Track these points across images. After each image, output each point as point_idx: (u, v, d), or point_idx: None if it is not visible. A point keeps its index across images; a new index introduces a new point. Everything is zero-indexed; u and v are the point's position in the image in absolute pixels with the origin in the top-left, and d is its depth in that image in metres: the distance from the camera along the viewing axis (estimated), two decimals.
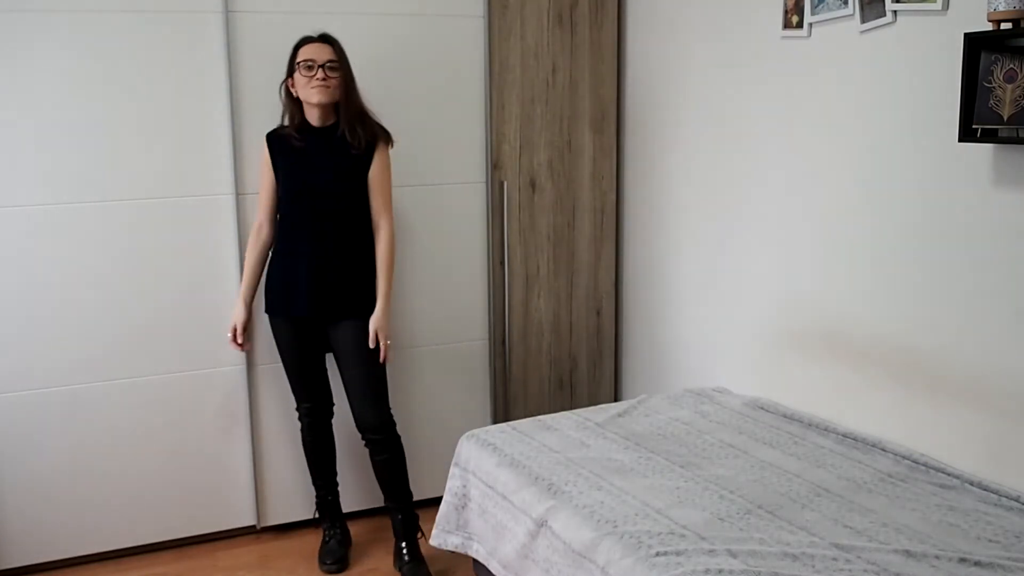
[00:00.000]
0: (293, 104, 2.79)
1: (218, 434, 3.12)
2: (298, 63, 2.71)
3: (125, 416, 3.00)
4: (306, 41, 2.75)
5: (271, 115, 3.01)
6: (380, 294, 2.82)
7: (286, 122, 2.82)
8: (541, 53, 3.38)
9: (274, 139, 2.83)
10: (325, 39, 2.76)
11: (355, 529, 3.21)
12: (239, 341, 2.91)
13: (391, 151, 2.87)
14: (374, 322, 2.80)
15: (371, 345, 2.79)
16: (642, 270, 3.58)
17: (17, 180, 2.79)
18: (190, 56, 2.91)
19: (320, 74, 2.68)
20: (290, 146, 2.78)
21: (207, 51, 2.93)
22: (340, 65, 2.73)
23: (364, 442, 2.93)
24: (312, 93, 2.70)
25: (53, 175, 2.82)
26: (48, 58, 2.77)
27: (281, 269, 2.84)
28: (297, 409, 3.04)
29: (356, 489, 3.28)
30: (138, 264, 2.95)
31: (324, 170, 2.77)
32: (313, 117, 2.77)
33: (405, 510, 2.95)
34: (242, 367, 3.11)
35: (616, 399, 3.75)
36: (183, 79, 2.92)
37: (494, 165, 3.38)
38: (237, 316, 2.90)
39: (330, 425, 3.06)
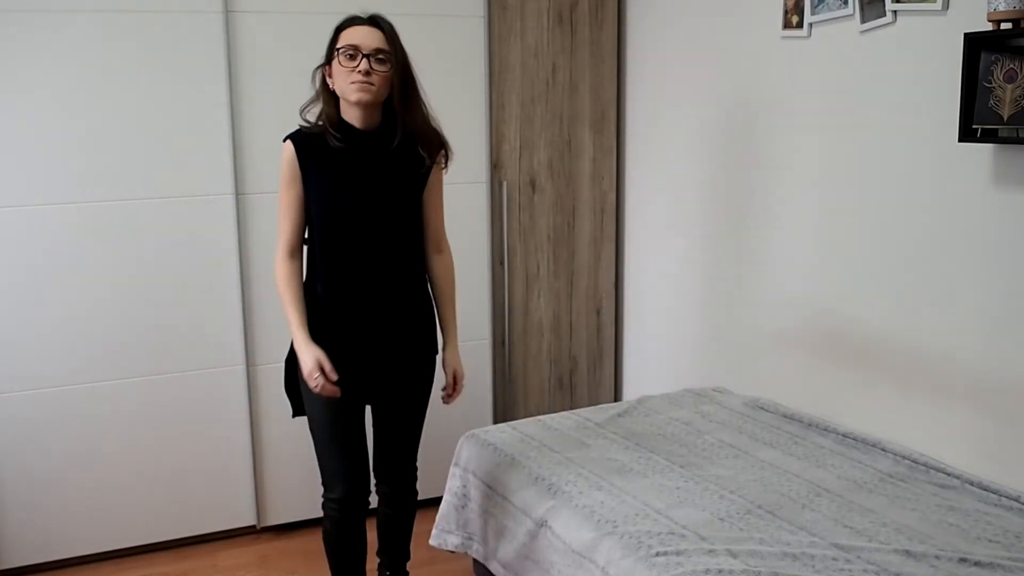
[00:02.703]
0: (329, 97, 2.20)
1: (218, 434, 3.12)
2: (338, 49, 2.13)
3: (125, 416, 3.00)
4: (351, 22, 2.17)
5: (271, 115, 3.01)
6: (450, 328, 2.40)
7: (309, 118, 2.25)
8: (541, 53, 3.38)
9: (302, 142, 2.20)
10: (375, 22, 2.17)
11: None
12: (329, 377, 2.18)
13: None
14: (451, 363, 2.38)
15: (448, 391, 2.39)
16: (642, 270, 3.58)
17: (17, 180, 2.79)
18: (190, 56, 2.91)
19: (364, 65, 2.10)
20: (326, 150, 2.19)
21: (207, 51, 2.93)
22: (391, 57, 2.14)
23: (376, 490, 2.52)
24: (351, 89, 2.12)
25: (53, 175, 2.82)
26: (48, 58, 2.76)
27: (325, 314, 2.25)
28: (325, 498, 2.36)
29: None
30: (138, 264, 2.95)
31: (377, 184, 2.21)
32: (354, 117, 2.19)
33: (399, 571, 2.60)
34: (242, 367, 3.11)
35: (616, 399, 3.75)
36: (183, 79, 2.92)
37: (494, 165, 3.38)
38: (313, 351, 2.17)
39: (364, 518, 2.40)
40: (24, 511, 2.93)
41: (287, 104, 2.99)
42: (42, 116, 2.79)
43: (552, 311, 3.57)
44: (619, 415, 2.82)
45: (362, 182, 2.20)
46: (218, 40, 2.93)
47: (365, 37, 2.14)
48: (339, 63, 2.13)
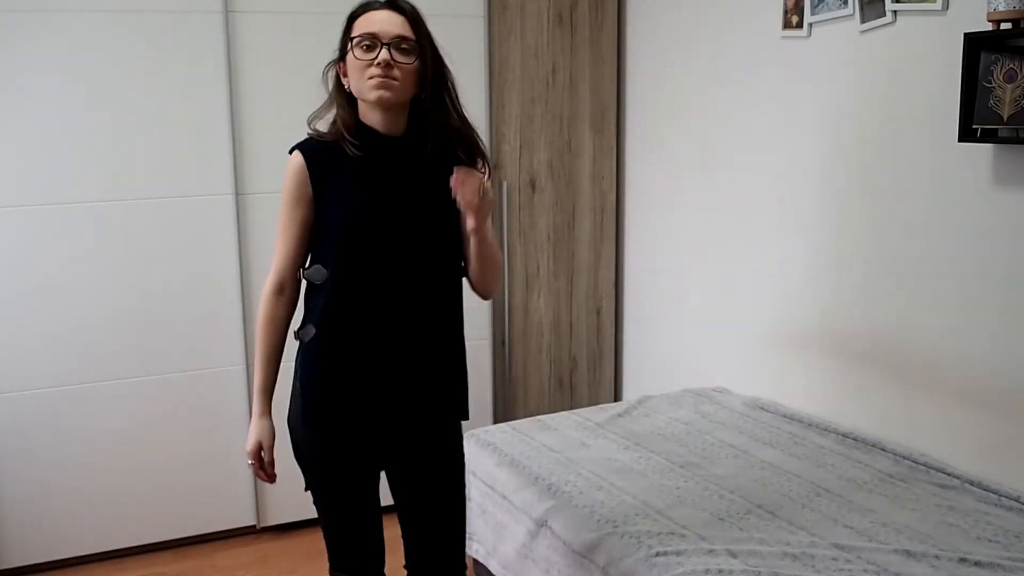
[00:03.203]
0: (344, 99, 1.82)
1: (218, 434, 3.12)
2: (352, 39, 1.76)
3: (125, 416, 3.00)
4: (366, 7, 1.80)
5: (271, 115, 3.01)
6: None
7: (321, 128, 1.86)
8: (541, 53, 3.38)
9: (314, 153, 1.81)
10: (396, 5, 1.79)
11: None
12: (267, 468, 1.91)
13: None
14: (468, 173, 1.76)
15: (467, 195, 1.74)
16: (642, 270, 3.58)
17: (17, 180, 2.79)
18: (190, 56, 2.91)
19: (384, 56, 1.71)
20: (342, 161, 1.79)
21: (207, 51, 2.93)
22: (418, 47, 1.76)
23: None
24: (368, 87, 1.73)
25: (53, 175, 2.82)
26: (48, 58, 2.76)
27: (329, 364, 1.83)
28: (332, 574, 2.00)
29: None
30: (138, 264, 2.95)
31: (406, 198, 1.80)
32: (374, 119, 1.79)
33: None
34: (242, 367, 3.11)
35: (616, 399, 3.75)
36: (183, 79, 2.92)
37: (494, 165, 3.38)
38: (259, 432, 1.88)
39: None
40: (24, 511, 2.92)
41: (287, 104, 3.01)
42: (42, 116, 2.79)
43: (552, 311, 3.57)
44: (619, 415, 2.82)
45: (388, 197, 1.78)
46: (218, 40, 2.93)
47: (384, 23, 1.75)
48: (354, 56, 1.75)
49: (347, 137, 1.79)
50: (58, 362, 2.90)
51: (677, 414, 2.82)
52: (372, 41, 1.74)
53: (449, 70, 1.84)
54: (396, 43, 1.74)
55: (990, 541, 1.95)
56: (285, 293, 1.89)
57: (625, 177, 3.61)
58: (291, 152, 1.83)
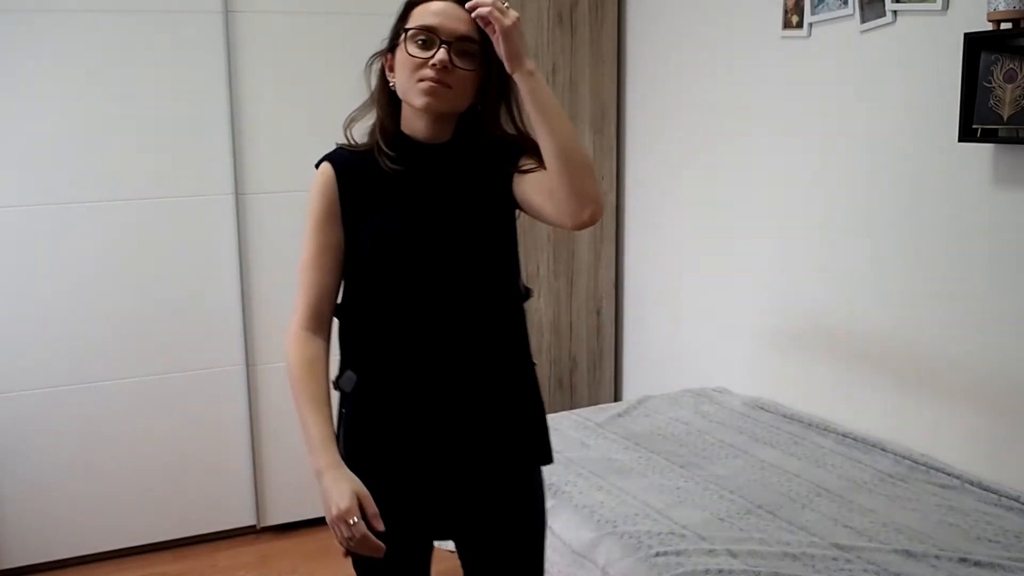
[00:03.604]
0: (387, 100, 1.56)
1: (218, 434, 3.12)
2: (408, 30, 1.50)
3: (125, 416, 3.00)
4: None
5: (271, 115, 3.01)
6: None
7: (351, 137, 1.59)
8: (541, 53, 3.38)
9: (345, 166, 1.57)
10: None
11: None
12: (372, 521, 1.45)
13: None
14: None
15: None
16: (642, 270, 3.58)
17: (17, 180, 2.79)
18: (190, 56, 2.91)
19: (441, 56, 1.45)
20: (378, 177, 1.55)
21: (207, 51, 2.93)
22: (482, 52, 1.48)
23: None
24: (417, 90, 1.47)
25: (53, 175, 2.82)
26: (48, 58, 2.76)
27: (377, 419, 1.57)
28: None
29: None
30: (138, 264, 2.95)
31: (451, 216, 1.55)
32: (417, 127, 1.54)
33: None
34: (242, 367, 3.11)
35: (616, 399, 3.75)
36: (183, 79, 2.92)
37: None
38: (345, 484, 1.46)
39: None
40: (24, 511, 2.92)
41: (287, 104, 3.01)
42: (42, 116, 2.79)
43: (552, 311, 3.57)
44: (619, 415, 2.82)
45: (430, 217, 1.54)
46: (218, 40, 2.93)
47: (447, 17, 1.48)
48: (406, 51, 1.48)
49: (383, 148, 1.53)
50: (58, 362, 2.90)
51: (677, 414, 2.82)
52: (429, 36, 1.47)
53: (508, 75, 1.47)
54: (458, 44, 1.47)
55: (990, 541, 1.95)
56: (320, 332, 1.56)
57: (625, 177, 3.61)
58: (318, 165, 1.57)
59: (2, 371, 2.85)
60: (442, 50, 1.46)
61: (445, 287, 1.53)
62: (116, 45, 2.83)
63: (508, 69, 1.41)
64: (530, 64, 1.41)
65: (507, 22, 1.38)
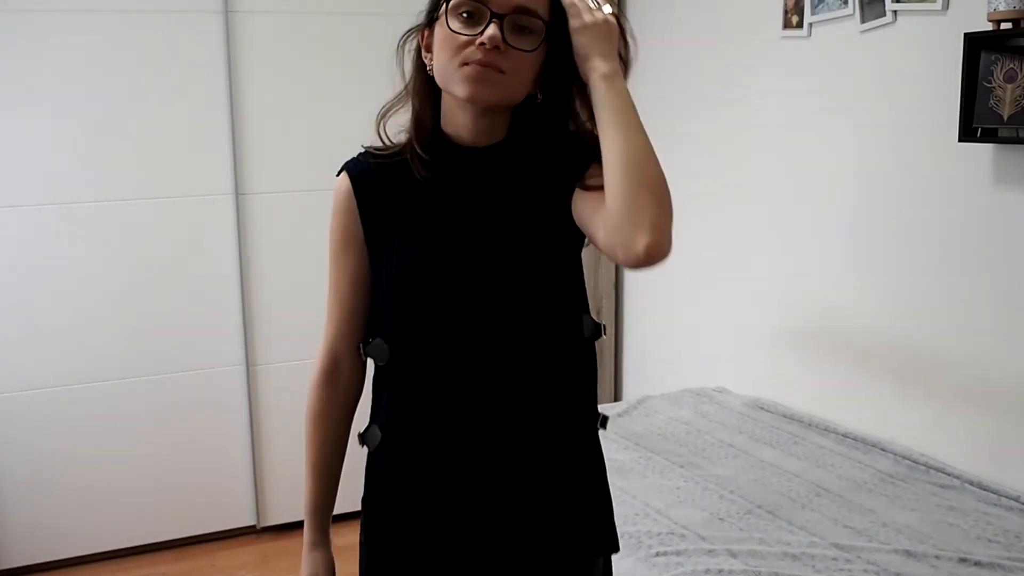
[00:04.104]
0: (425, 89, 1.26)
1: (218, 434, 3.12)
2: (450, 3, 1.19)
3: (125, 416, 3.00)
4: None
5: (271, 115, 3.01)
6: None
7: (385, 136, 1.30)
8: None
9: (366, 176, 1.29)
10: None
11: None
12: None
13: None
14: None
15: None
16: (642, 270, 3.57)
17: (17, 180, 2.79)
18: (190, 56, 2.91)
19: (492, 33, 1.14)
20: (407, 187, 1.27)
21: (207, 51, 2.93)
22: (545, 28, 1.18)
23: None
24: (458, 77, 1.17)
25: (53, 175, 2.82)
26: (48, 58, 2.76)
27: (399, 486, 1.30)
28: None
29: None
30: (138, 264, 2.95)
31: (498, 238, 1.25)
32: (459, 123, 1.25)
33: None
34: (242, 367, 3.11)
35: (616, 399, 3.75)
36: (183, 79, 2.92)
37: None
38: (311, 569, 1.36)
39: None
40: (24, 511, 2.92)
41: (287, 104, 3.01)
42: (42, 116, 2.79)
43: None
44: (619, 415, 2.82)
45: (472, 238, 1.24)
46: (218, 40, 2.93)
47: None
48: (447, 27, 1.17)
49: (417, 150, 1.24)
50: (58, 362, 2.90)
51: (677, 414, 2.82)
52: (476, 7, 1.16)
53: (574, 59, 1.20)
54: (513, 17, 1.16)
55: (990, 541, 1.95)
56: (342, 376, 1.35)
57: None
58: (339, 173, 1.30)
59: (2, 371, 2.85)
60: (492, 25, 1.14)
61: (487, 330, 1.23)
62: (116, 45, 2.83)
63: (580, 71, 1.17)
64: (607, 67, 1.14)
65: (589, 19, 1.15)
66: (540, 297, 1.26)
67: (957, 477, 2.26)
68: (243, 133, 3.00)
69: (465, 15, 1.16)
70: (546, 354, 1.27)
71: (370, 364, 1.33)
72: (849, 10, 2.53)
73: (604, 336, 1.35)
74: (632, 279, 3.64)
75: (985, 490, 2.19)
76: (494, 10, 1.15)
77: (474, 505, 1.26)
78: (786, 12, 2.75)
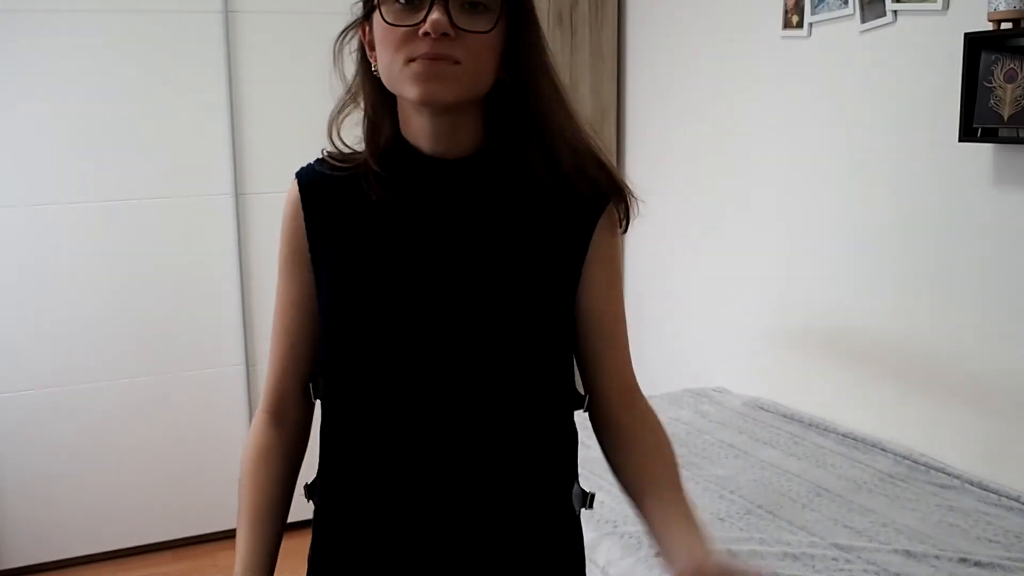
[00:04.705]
0: (374, 91, 1.06)
1: (218, 434, 3.12)
2: None
3: (125, 416, 3.00)
4: None
5: (271, 115, 3.01)
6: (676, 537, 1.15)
7: (339, 143, 1.12)
8: None
9: (318, 186, 1.10)
10: None
11: None
12: None
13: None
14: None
15: None
16: (642, 270, 3.58)
17: (17, 180, 2.79)
18: (190, 56, 2.91)
19: (436, 17, 0.94)
20: (360, 204, 1.07)
21: (207, 51, 2.93)
22: (499, 7, 0.99)
23: None
24: (405, 76, 0.98)
25: (53, 175, 2.82)
26: (48, 58, 2.76)
27: (342, 545, 1.11)
28: None
29: None
30: (138, 264, 2.95)
31: (465, 276, 1.03)
32: (418, 129, 1.04)
33: None
34: (242, 367, 3.11)
35: None
36: (183, 79, 2.92)
37: None
38: None
39: None
40: (24, 511, 2.92)
41: (287, 104, 3.02)
42: (42, 116, 2.79)
43: None
44: None
45: (435, 275, 1.03)
46: (218, 40, 2.93)
47: None
48: (383, 19, 0.98)
49: (371, 164, 1.04)
50: (58, 362, 2.90)
51: (677, 414, 2.82)
52: None
53: (542, 39, 1.07)
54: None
55: (990, 541, 1.95)
56: (286, 417, 1.14)
57: (625, 177, 3.60)
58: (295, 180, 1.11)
59: (2, 371, 2.85)
60: (436, 8, 0.94)
61: (430, 398, 1.02)
62: (116, 45, 2.83)
63: None
64: None
65: None
66: (517, 361, 1.03)
67: (957, 477, 2.26)
68: (243, 133, 3.00)
69: (402, 1, 0.96)
70: (519, 425, 1.05)
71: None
72: (849, 10, 2.53)
73: (585, 411, 1.16)
74: (632, 279, 3.64)
75: (985, 490, 2.19)
76: None
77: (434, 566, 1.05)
78: (786, 12, 2.75)
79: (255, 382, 3.13)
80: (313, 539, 1.14)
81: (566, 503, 1.12)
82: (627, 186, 1.10)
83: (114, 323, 2.95)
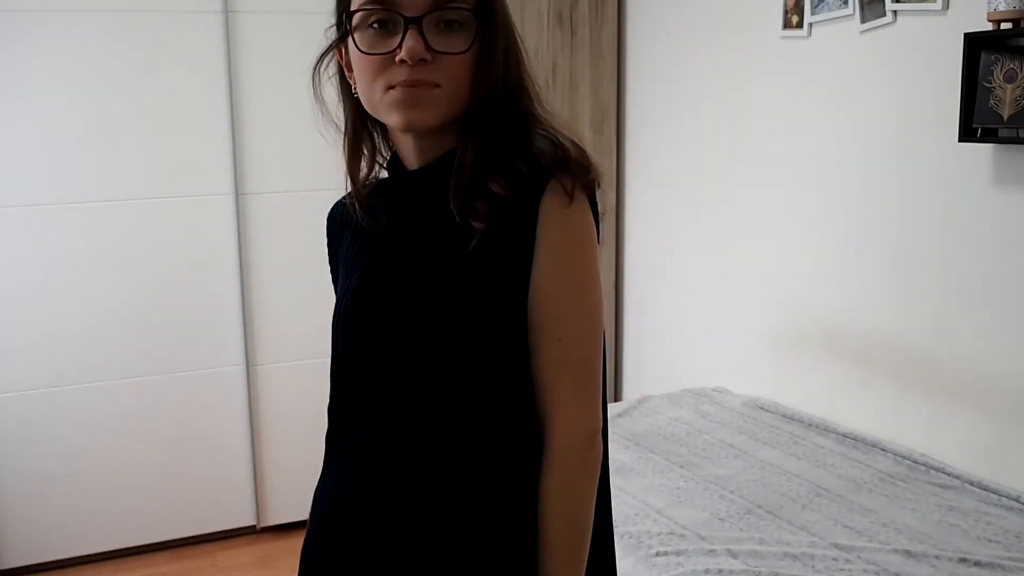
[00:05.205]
0: (356, 114, 1.10)
1: (218, 434, 3.12)
2: (352, 14, 1.01)
3: (125, 416, 3.00)
4: None
5: (271, 115, 3.01)
6: None
7: (351, 183, 1.13)
8: (541, 53, 3.37)
9: (333, 214, 1.21)
10: None
11: None
12: None
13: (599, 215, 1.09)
14: None
15: None
16: (642, 270, 3.58)
17: (17, 180, 2.79)
18: (190, 56, 2.91)
19: (410, 44, 0.96)
20: (352, 230, 1.14)
21: (207, 51, 2.93)
22: (475, 17, 1.00)
23: None
24: (386, 106, 1.01)
25: (53, 175, 2.82)
26: (48, 58, 2.76)
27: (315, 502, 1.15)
28: None
29: None
30: (138, 264, 2.95)
31: (410, 277, 1.05)
32: (405, 149, 1.08)
33: None
34: (242, 367, 3.11)
35: (616, 399, 3.75)
36: (183, 79, 2.92)
37: None
38: None
39: None
40: (24, 511, 2.92)
41: (287, 104, 3.01)
42: (43, 116, 2.79)
43: None
44: (619, 415, 2.82)
45: (386, 279, 1.06)
46: (218, 40, 2.93)
47: None
48: (356, 47, 1.00)
49: (355, 187, 1.10)
50: (58, 362, 2.90)
51: (677, 414, 2.82)
52: (386, 15, 0.97)
53: (520, 51, 1.06)
54: (434, 15, 0.96)
55: (990, 541, 1.95)
56: None
57: (625, 177, 3.61)
58: None
59: (2, 371, 2.85)
60: (410, 34, 0.94)
61: (387, 382, 1.03)
62: (116, 45, 2.83)
63: None
64: None
65: None
66: (448, 359, 0.99)
67: (957, 477, 2.26)
68: (243, 133, 3.00)
69: (375, 26, 0.96)
70: (452, 427, 1.01)
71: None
72: (849, 10, 2.53)
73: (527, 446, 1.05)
74: (632, 279, 3.64)
75: (985, 490, 2.19)
76: (406, 14, 0.94)
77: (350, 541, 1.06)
78: (786, 12, 2.75)
79: (255, 382, 3.13)
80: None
81: (518, 511, 1.02)
82: (577, 158, 1.01)
83: (114, 323, 2.95)
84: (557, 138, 1.03)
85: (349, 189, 1.12)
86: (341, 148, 1.11)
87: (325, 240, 1.19)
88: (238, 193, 3.02)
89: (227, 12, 2.93)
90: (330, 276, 1.21)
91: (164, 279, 2.99)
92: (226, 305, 3.06)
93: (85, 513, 3.00)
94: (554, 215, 0.98)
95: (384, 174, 1.13)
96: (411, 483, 1.02)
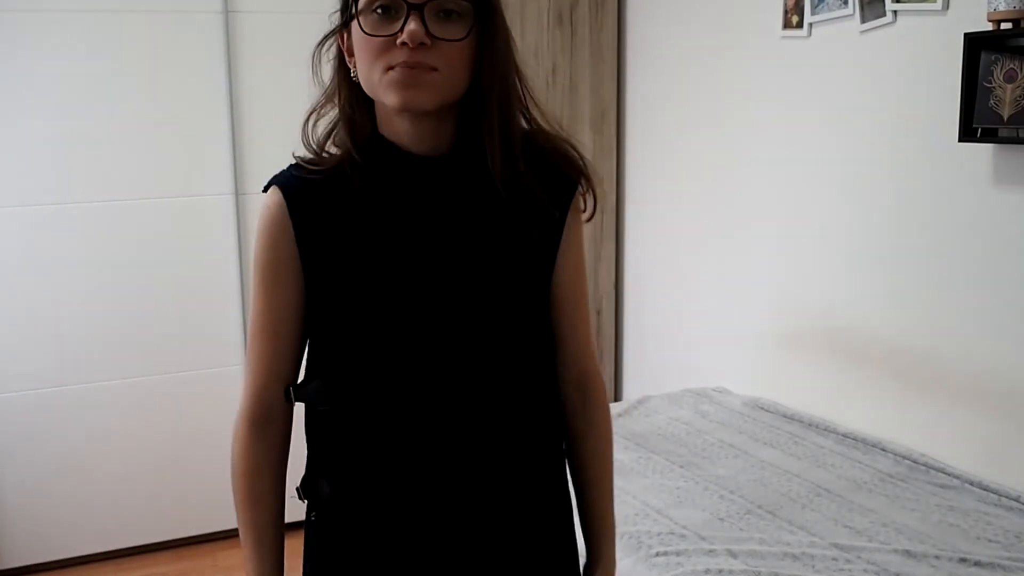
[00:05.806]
0: (352, 92, 1.12)
1: (218, 434, 3.12)
2: (359, 1, 1.06)
3: (125, 416, 3.00)
4: None
5: (271, 115, 3.01)
6: (602, 543, 1.28)
7: (312, 143, 1.18)
8: (541, 53, 3.38)
9: (301, 192, 1.15)
10: None
11: None
12: None
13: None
14: None
15: None
16: (642, 270, 3.58)
17: (17, 180, 2.79)
18: (190, 56, 2.91)
19: (413, 28, 1.01)
20: (348, 202, 1.12)
21: (207, 51, 2.93)
22: (474, 9, 1.07)
23: None
24: (385, 83, 1.05)
25: (53, 175, 2.82)
26: (48, 58, 2.76)
27: (355, 535, 1.15)
28: None
29: None
30: (138, 264, 2.95)
31: (458, 260, 1.11)
32: (399, 129, 1.10)
33: None
34: (242, 367, 3.11)
35: (616, 399, 3.75)
36: (183, 79, 2.92)
37: None
38: None
39: None
40: (24, 511, 2.92)
41: (287, 104, 3.01)
42: (42, 116, 2.79)
43: None
44: (619, 415, 2.82)
45: (427, 261, 1.10)
46: (218, 40, 2.93)
47: None
48: (361, 30, 1.05)
49: (355, 156, 1.10)
50: (58, 362, 2.90)
51: (677, 414, 2.82)
52: (390, 1, 1.03)
53: (511, 46, 1.14)
54: (435, 3, 1.03)
55: (990, 541, 1.95)
56: (274, 424, 1.17)
57: (625, 177, 3.61)
58: (266, 189, 1.18)
59: (2, 371, 2.85)
60: (412, 19, 1.01)
61: (450, 373, 1.10)
62: (116, 45, 2.83)
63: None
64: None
65: None
66: (511, 333, 1.12)
67: (957, 477, 2.27)
68: (243, 133, 3.00)
69: (379, 11, 1.03)
70: (519, 401, 1.15)
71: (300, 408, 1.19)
72: (849, 10, 2.53)
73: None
74: (632, 279, 3.64)
75: (985, 490, 2.19)
76: (409, 0, 1.01)
77: (435, 562, 1.13)
78: (786, 12, 2.75)
79: None
80: (315, 536, 1.18)
81: (559, 474, 1.23)
82: (593, 175, 1.19)
83: (114, 323, 2.95)
84: (571, 142, 1.19)
85: (309, 167, 1.15)
86: (312, 115, 1.15)
87: (274, 219, 1.13)
88: (238, 193, 3.02)
89: (227, 12, 2.93)
90: (269, 264, 1.12)
91: (164, 279, 2.99)
92: (226, 305, 3.06)
93: (85, 513, 3.00)
94: (576, 221, 1.19)
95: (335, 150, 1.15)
96: (497, 441, 1.14)
